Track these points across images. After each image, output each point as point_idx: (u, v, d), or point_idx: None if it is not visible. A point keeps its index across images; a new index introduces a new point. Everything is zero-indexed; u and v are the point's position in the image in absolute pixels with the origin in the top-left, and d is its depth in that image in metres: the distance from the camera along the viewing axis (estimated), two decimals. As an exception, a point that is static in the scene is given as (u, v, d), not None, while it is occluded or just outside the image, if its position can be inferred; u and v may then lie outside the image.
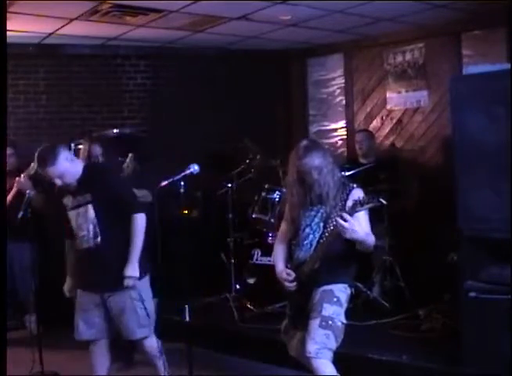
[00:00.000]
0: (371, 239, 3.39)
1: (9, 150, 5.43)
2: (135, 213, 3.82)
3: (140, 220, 3.81)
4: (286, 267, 3.60)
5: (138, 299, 3.83)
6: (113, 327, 3.94)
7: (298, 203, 3.53)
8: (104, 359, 4.05)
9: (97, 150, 4.89)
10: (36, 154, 3.79)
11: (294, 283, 3.53)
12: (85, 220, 3.85)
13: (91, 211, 3.84)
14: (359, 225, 3.23)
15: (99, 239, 3.82)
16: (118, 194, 3.85)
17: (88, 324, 3.92)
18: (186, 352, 3.83)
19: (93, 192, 3.83)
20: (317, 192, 3.43)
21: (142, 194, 4.87)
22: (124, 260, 3.78)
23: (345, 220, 3.18)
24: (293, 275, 3.53)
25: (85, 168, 3.87)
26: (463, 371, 3.80)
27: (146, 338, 3.93)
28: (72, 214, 3.90)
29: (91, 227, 3.84)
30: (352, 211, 3.22)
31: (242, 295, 5.61)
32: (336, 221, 3.24)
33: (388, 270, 5.40)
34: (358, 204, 3.19)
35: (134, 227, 3.80)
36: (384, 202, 3.18)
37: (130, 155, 4.91)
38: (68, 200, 3.90)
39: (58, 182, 3.78)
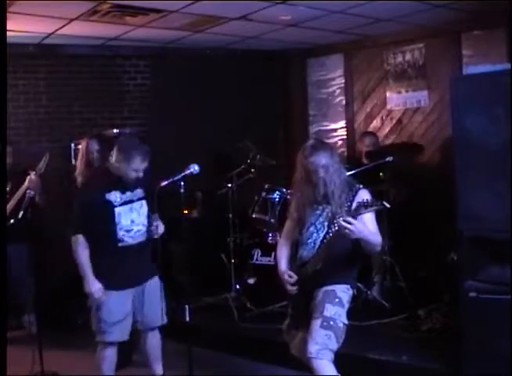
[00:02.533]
0: (378, 238, 3.40)
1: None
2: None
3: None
4: (290, 267, 3.60)
5: (161, 287, 4.05)
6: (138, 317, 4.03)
7: (304, 201, 3.54)
8: (114, 360, 4.06)
9: (94, 146, 4.88)
10: (134, 149, 3.81)
11: (295, 287, 3.54)
12: (139, 215, 3.93)
13: (145, 206, 3.96)
14: (364, 225, 3.25)
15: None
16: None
17: (123, 325, 3.94)
18: (186, 352, 3.83)
19: (143, 188, 3.95)
20: (323, 190, 3.44)
21: None
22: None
23: (350, 223, 3.19)
24: (295, 278, 3.53)
25: None
26: (463, 371, 3.79)
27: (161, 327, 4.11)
28: (122, 209, 3.88)
29: (145, 222, 3.95)
30: (356, 214, 3.22)
31: (242, 295, 5.61)
32: (339, 225, 3.25)
33: (388, 270, 5.40)
34: (362, 207, 3.19)
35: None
36: (388, 205, 3.18)
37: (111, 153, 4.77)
38: (115, 196, 3.87)
39: (133, 174, 3.82)
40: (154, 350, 4.19)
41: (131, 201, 3.92)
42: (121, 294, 3.92)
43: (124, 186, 3.88)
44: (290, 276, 3.54)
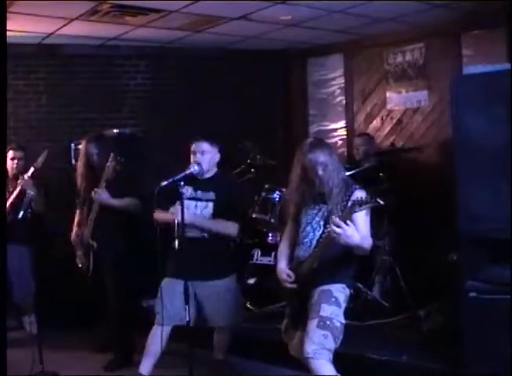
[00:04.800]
0: (367, 243, 3.37)
1: (19, 154, 5.53)
2: (234, 221, 4.21)
3: (233, 227, 4.22)
4: (289, 267, 3.60)
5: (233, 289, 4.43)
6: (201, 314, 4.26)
7: (301, 200, 3.54)
8: (160, 341, 4.14)
9: (92, 147, 4.88)
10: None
11: (294, 285, 3.54)
12: (200, 213, 4.17)
13: (210, 208, 4.18)
14: (354, 230, 3.21)
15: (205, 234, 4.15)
16: (234, 203, 4.20)
17: (170, 312, 4.09)
18: (187, 352, 3.83)
19: (216, 192, 4.18)
20: (320, 189, 3.43)
21: (125, 204, 4.83)
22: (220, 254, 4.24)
23: (338, 226, 3.17)
24: (293, 277, 3.53)
25: (218, 170, 4.32)
26: (463, 371, 3.79)
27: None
28: (187, 203, 4.06)
29: None
30: (351, 211, 3.21)
31: (242, 295, 5.60)
32: (330, 228, 3.25)
33: (388, 270, 5.40)
34: (356, 205, 3.18)
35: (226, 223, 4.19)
36: (382, 202, 3.17)
37: (111, 154, 4.81)
38: (186, 190, 4.03)
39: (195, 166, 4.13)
40: (218, 343, 4.47)
41: (199, 199, 4.19)
42: (173, 282, 4.07)
43: (198, 184, 4.18)
44: (289, 276, 3.55)
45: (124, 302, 4.91)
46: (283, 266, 3.62)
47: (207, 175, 4.25)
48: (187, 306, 3.81)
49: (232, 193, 4.25)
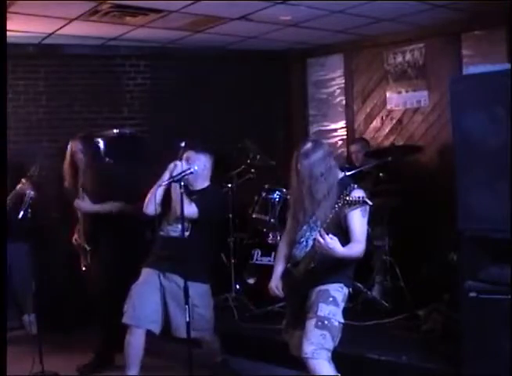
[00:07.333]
0: (356, 250, 3.37)
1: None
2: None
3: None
4: (286, 266, 3.61)
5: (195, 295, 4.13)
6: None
7: (299, 201, 3.55)
8: (137, 348, 4.11)
9: (78, 146, 4.86)
10: None
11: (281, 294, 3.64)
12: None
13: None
14: (337, 243, 3.22)
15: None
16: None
17: (142, 310, 4.11)
18: (186, 352, 3.83)
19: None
20: (316, 191, 3.44)
21: (108, 208, 4.75)
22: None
23: (322, 237, 3.19)
24: (281, 294, 3.60)
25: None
26: (463, 371, 3.79)
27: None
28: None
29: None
30: (342, 212, 3.23)
31: (242, 295, 5.61)
32: (315, 237, 3.27)
33: (388, 270, 5.40)
34: (346, 205, 3.21)
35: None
36: (370, 203, 3.17)
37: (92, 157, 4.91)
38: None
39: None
40: (208, 352, 4.40)
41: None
42: (149, 272, 4.15)
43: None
44: (277, 289, 3.61)
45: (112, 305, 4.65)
46: (275, 276, 3.65)
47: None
48: (187, 306, 3.80)
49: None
